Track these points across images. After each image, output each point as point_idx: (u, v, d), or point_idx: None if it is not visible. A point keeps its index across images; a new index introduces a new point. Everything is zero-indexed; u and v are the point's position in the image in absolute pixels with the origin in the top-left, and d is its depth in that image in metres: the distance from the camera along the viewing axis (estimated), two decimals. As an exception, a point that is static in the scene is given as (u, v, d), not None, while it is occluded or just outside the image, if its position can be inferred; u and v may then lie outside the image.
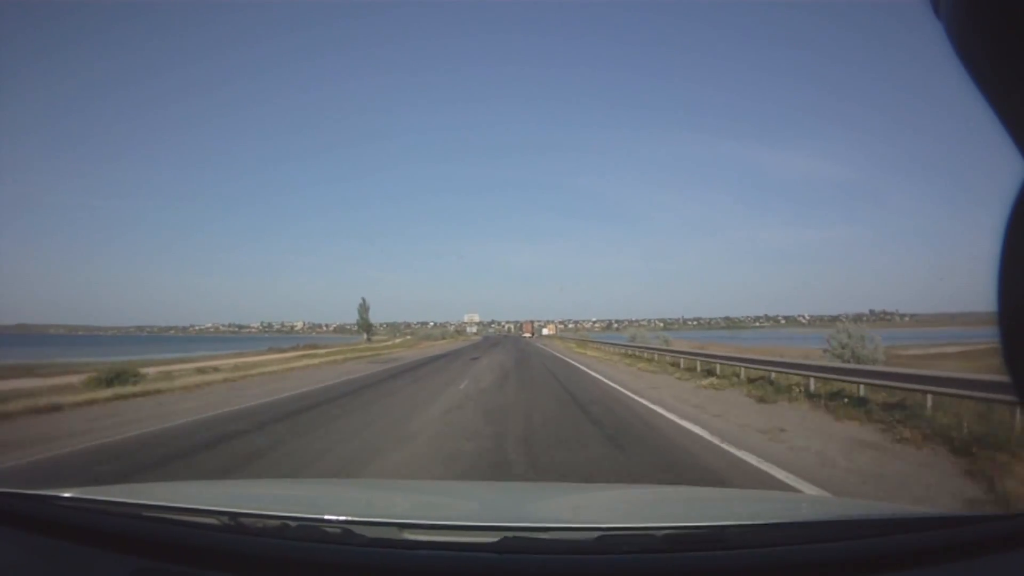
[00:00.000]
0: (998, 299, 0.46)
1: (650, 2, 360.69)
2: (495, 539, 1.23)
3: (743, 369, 13.87)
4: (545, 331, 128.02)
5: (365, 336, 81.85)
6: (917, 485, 4.82)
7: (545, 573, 1.19)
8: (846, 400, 9.04)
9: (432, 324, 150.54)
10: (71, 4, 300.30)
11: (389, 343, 67.08)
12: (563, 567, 1.21)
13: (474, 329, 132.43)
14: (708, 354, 18.00)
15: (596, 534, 1.28)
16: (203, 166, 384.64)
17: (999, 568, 1.23)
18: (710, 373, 15.43)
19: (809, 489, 4.66)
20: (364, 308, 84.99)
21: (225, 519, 1.33)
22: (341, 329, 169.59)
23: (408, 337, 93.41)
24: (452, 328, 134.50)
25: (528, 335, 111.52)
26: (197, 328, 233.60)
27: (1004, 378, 0.47)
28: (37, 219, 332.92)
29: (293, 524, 1.29)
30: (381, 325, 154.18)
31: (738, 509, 2.10)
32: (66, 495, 1.54)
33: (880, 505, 3.08)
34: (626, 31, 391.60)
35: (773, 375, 12.29)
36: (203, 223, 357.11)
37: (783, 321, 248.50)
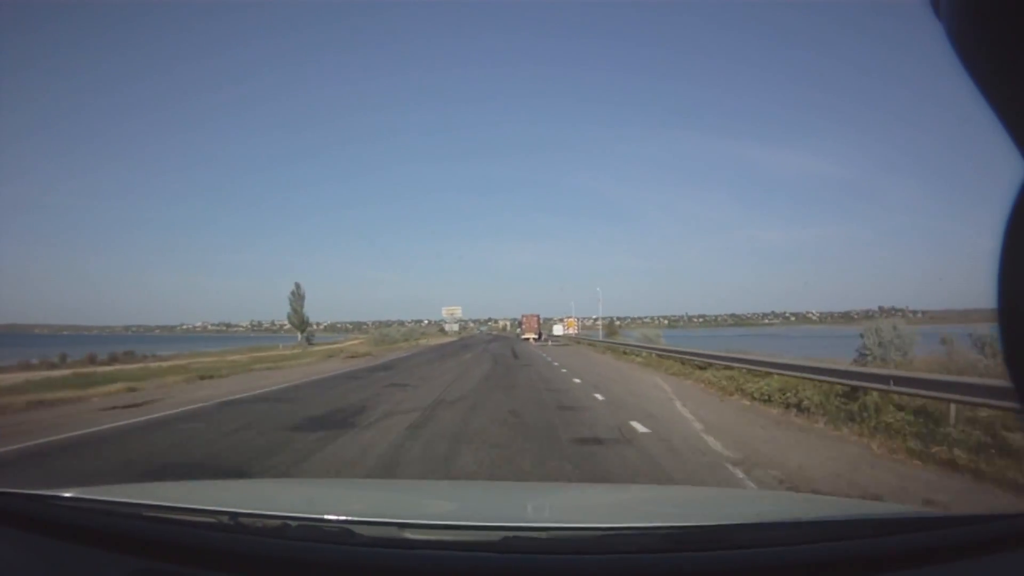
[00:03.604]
0: (998, 298, 0.46)
1: (649, 1, 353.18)
2: (496, 539, 1.22)
3: None
4: (559, 330, 70.32)
5: (300, 336, 59.70)
6: None
7: (546, 573, 1.20)
8: None
9: (426, 322, 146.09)
10: (70, 4, 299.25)
11: (296, 352, 38.07)
12: (564, 567, 1.20)
13: (455, 327, 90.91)
14: None
15: (597, 534, 1.29)
16: (194, 166, 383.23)
17: (1000, 568, 1.22)
18: None
19: None
20: (297, 297, 61.62)
21: (225, 519, 1.32)
22: (332, 328, 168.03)
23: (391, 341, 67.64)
24: (436, 328, 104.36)
25: (531, 338, 63.53)
26: (185, 327, 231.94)
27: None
28: (26, 219, 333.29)
29: (293, 524, 1.28)
30: (372, 323, 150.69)
31: (738, 509, 2.07)
32: (65, 495, 1.54)
33: (880, 505, 2.98)
34: (623, 30, 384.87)
35: None
36: (194, 223, 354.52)
37: (793, 318, 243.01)
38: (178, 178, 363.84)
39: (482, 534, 1.28)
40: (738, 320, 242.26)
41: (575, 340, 56.71)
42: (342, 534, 1.24)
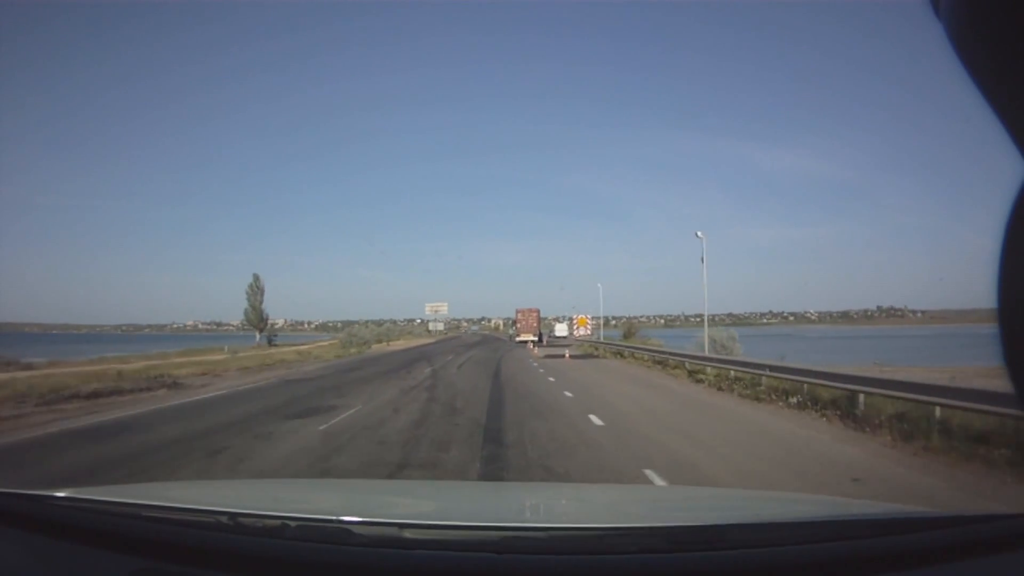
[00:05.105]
0: (998, 299, 0.46)
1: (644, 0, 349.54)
2: (495, 539, 1.23)
3: None
4: (562, 330, 57.10)
5: (258, 336, 52.09)
6: None
7: (545, 573, 1.20)
8: None
9: (418, 321, 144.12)
10: (70, 4, 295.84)
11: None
12: (563, 567, 1.20)
13: (440, 326, 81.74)
14: None
15: (596, 534, 1.29)
16: (188, 167, 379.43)
17: (1001, 568, 1.22)
18: None
19: None
20: (255, 291, 53.78)
21: (224, 519, 1.32)
22: (323, 327, 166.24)
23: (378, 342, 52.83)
24: (425, 327, 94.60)
25: (530, 342, 47.26)
26: (175, 326, 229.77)
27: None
28: (20, 219, 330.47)
29: (293, 524, 1.28)
30: (365, 323, 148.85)
31: (738, 509, 2.08)
32: (65, 495, 1.54)
33: (880, 505, 2.98)
34: (617, 29, 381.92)
35: None
36: (186, 222, 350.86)
37: (791, 318, 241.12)
38: (172, 178, 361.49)
39: (481, 534, 1.29)
40: (736, 320, 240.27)
41: (615, 352, 31.93)
42: (341, 534, 1.24)
